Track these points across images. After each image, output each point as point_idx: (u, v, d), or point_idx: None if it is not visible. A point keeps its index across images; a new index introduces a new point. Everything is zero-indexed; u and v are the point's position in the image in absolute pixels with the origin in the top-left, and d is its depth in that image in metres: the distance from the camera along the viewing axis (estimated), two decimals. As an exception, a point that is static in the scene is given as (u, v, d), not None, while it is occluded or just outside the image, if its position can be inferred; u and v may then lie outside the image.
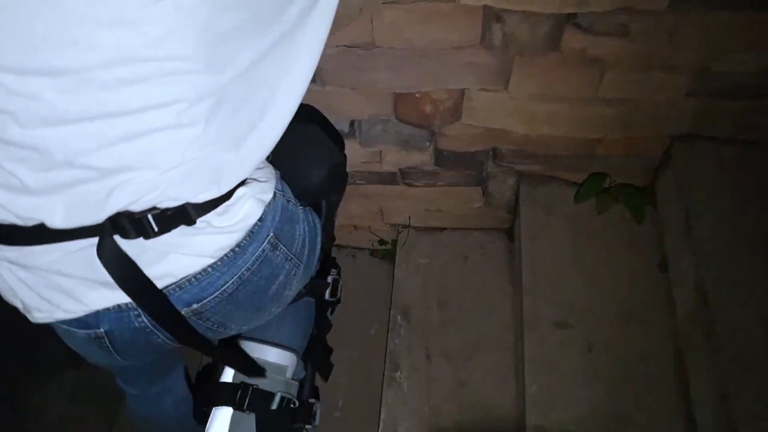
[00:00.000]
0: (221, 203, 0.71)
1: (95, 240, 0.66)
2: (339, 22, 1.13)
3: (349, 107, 1.31)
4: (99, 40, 0.53)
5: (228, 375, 0.99)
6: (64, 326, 0.78)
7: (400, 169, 1.47)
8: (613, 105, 1.20)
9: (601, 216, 1.40)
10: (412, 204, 1.58)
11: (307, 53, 0.69)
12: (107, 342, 0.78)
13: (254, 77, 0.64)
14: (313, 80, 1.24)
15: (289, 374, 1.03)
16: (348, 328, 1.71)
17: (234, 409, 0.96)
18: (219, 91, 0.61)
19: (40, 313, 0.75)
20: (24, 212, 0.66)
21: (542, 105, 1.22)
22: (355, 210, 1.64)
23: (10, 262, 0.72)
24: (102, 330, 0.77)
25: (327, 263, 1.15)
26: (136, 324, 0.75)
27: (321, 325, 1.19)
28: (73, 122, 0.58)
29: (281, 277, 0.85)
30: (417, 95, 1.24)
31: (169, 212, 0.67)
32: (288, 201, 0.85)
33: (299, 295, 1.00)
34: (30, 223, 0.66)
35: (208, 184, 0.68)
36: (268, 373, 0.98)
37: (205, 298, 0.76)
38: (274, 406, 0.99)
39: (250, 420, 0.96)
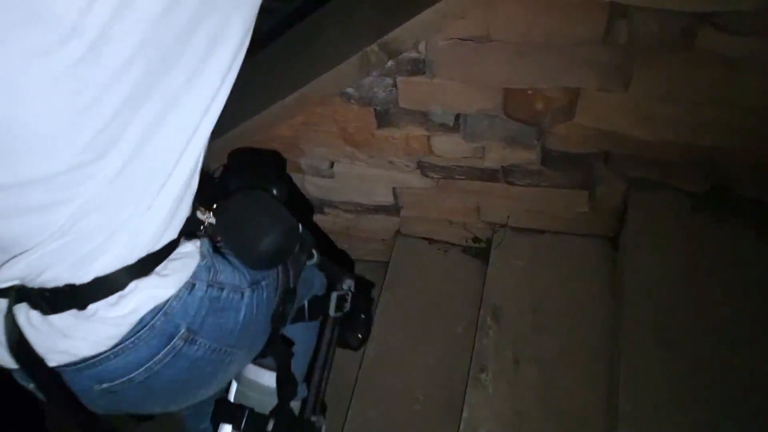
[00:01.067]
0: (115, 292, 0.71)
1: (4, 303, 0.72)
2: (454, 13, 1.11)
3: (456, 100, 1.29)
4: None
5: (231, 393, 1.03)
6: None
7: (502, 167, 1.43)
8: (745, 112, 1.11)
9: (720, 231, 1.30)
10: (512, 203, 1.54)
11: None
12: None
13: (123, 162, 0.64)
14: (423, 72, 1.25)
15: None
16: (434, 324, 1.70)
17: (233, 428, 1.01)
18: (92, 169, 0.62)
19: None
20: None
21: (664, 108, 1.15)
22: (451, 205, 1.62)
23: None
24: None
25: (336, 283, 1.15)
26: None
27: (325, 342, 1.19)
28: None
29: (208, 368, 0.84)
30: (529, 92, 1.21)
31: (54, 292, 0.69)
32: (221, 290, 0.82)
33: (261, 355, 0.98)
34: None
35: (80, 267, 0.69)
36: (263, 397, 1.01)
37: (113, 380, 0.77)
38: (269, 429, 1.01)
39: None
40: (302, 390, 1.13)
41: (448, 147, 1.41)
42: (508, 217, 1.59)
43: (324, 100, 1.33)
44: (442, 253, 1.77)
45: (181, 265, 0.77)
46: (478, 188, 1.52)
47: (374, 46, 1.17)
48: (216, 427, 1.05)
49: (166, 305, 0.75)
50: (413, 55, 1.21)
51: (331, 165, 1.59)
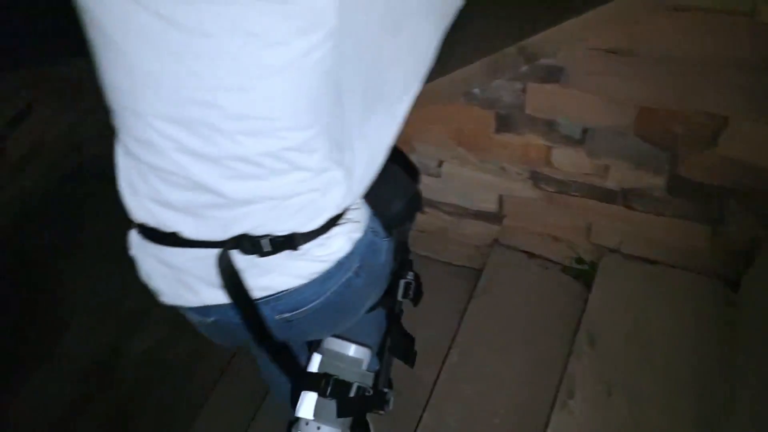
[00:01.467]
0: (321, 235, 0.85)
1: (216, 250, 0.83)
2: (600, 24, 1.07)
3: (586, 113, 1.25)
4: (221, 101, 0.68)
5: (314, 365, 1.14)
6: (184, 312, 0.97)
7: (623, 188, 1.37)
8: None
9: None
10: (627, 228, 1.47)
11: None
12: (214, 329, 0.97)
13: (352, 138, 0.79)
14: (556, 80, 1.21)
15: (364, 367, 1.17)
16: (522, 339, 1.65)
17: (318, 395, 1.12)
18: (321, 142, 0.75)
19: (166, 297, 0.93)
20: (165, 222, 0.83)
21: (823, 147, 1.05)
22: (559, 221, 1.57)
23: (152, 255, 0.89)
24: (211, 319, 0.94)
25: (401, 271, 1.26)
26: (234, 320, 0.91)
27: (394, 322, 1.31)
28: (206, 159, 0.74)
29: (360, 299, 1.02)
30: (668, 113, 1.14)
31: (281, 239, 0.82)
32: (376, 235, 0.97)
33: (372, 308, 1.13)
34: (167, 230, 0.84)
35: (310, 218, 0.83)
36: (346, 366, 1.15)
37: (296, 310, 0.91)
38: (351, 394, 1.13)
39: (331, 404, 1.12)
40: (375, 363, 1.24)
41: (569, 161, 1.36)
42: (621, 242, 1.52)
43: (450, 97, 1.32)
44: (541, 269, 1.72)
45: (362, 213, 0.93)
46: (592, 207, 1.46)
47: (512, 49, 1.15)
48: (297, 396, 1.15)
49: (355, 245, 0.90)
50: (549, 61, 1.18)
51: (440, 164, 1.58)
